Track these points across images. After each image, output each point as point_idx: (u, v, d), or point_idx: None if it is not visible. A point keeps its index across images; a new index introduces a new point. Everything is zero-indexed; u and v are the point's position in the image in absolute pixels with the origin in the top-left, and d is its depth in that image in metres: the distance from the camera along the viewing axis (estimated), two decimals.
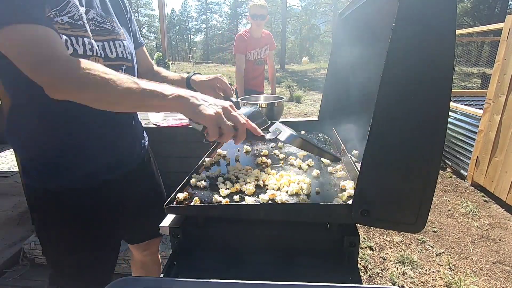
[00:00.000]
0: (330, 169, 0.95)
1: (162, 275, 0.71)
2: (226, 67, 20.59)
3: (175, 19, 49.97)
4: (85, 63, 0.69)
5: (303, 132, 1.41)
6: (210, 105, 0.70)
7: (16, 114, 0.87)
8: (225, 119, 0.69)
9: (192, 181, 0.86)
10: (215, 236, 0.78)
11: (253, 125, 0.75)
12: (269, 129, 0.81)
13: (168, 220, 0.78)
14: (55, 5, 0.76)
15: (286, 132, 0.76)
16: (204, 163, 1.01)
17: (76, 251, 0.96)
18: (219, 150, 1.11)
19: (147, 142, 1.17)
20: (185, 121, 2.21)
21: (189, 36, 51.89)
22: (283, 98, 1.79)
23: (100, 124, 0.90)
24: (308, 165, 0.96)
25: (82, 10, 0.83)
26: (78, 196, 0.92)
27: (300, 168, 0.96)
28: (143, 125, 1.20)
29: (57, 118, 0.85)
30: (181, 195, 0.77)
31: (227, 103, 0.72)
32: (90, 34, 0.84)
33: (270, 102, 1.72)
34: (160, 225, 0.77)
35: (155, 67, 1.25)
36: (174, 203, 0.75)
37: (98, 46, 0.86)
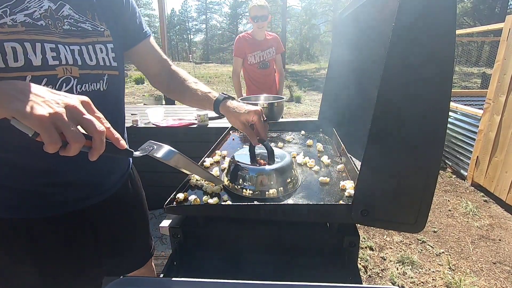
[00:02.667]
0: (328, 169, 0.95)
1: (162, 275, 0.71)
2: (226, 67, 20.58)
3: (175, 19, 49.99)
4: None
5: (303, 132, 1.41)
6: (45, 101, 0.49)
7: None
8: (68, 123, 0.49)
9: (192, 181, 0.86)
10: (215, 236, 0.78)
11: (116, 135, 0.56)
12: (140, 148, 0.66)
13: (168, 220, 0.78)
14: (3, 0, 0.61)
15: (163, 148, 0.64)
16: (204, 163, 1.01)
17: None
18: (218, 151, 1.11)
19: (131, 163, 1.02)
20: (185, 121, 2.21)
21: (189, 36, 51.90)
22: (283, 98, 1.79)
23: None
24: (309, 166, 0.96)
25: (48, 5, 0.68)
26: (41, 226, 0.76)
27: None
28: (143, 125, 1.16)
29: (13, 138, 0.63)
30: (181, 195, 0.77)
31: (78, 100, 0.53)
32: (57, 37, 0.68)
33: (270, 102, 1.72)
34: (160, 225, 0.77)
35: (174, 67, 1.05)
36: (174, 203, 0.75)
37: (71, 51, 0.70)
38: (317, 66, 22.27)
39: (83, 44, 0.73)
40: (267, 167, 0.80)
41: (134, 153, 0.61)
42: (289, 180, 0.80)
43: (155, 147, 0.64)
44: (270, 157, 0.84)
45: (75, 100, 0.53)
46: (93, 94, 0.75)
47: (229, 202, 0.75)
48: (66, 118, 0.49)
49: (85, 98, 0.54)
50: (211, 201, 0.74)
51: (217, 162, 1.03)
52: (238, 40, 3.00)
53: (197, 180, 0.86)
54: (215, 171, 0.92)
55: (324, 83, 1.42)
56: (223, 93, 0.97)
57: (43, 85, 0.62)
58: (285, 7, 27.47)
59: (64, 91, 0.62)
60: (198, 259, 0.79)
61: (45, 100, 0.50)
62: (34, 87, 0.51)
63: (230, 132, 1.41)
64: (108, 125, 0.55)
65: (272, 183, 0.77)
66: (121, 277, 0.58)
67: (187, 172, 0.73)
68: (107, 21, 0.80)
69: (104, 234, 0.90)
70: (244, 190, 0.78)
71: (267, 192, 0.77)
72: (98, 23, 0.77)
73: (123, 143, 0.56)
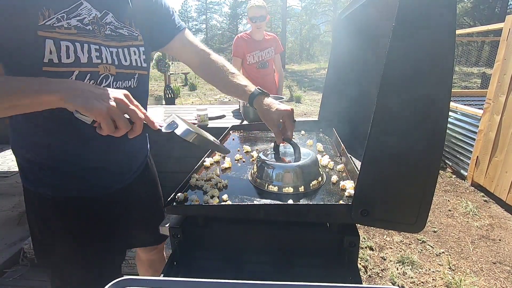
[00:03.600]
0: (328, 170, 0.95)
1: (162, 275, 0.71)
2: None
3: None
4: None
5: (303, 132, 1.41)
6: (100, 97, 0.62)
7: (21, 119, 0.83)
8: (119, 113, 0.63)
9: (192, 181, 0.86)
10: (215, 236, 0.78)
11: (151, 118, 0.70)
12: (165, 121, 0.76)
13: (168, 220, 0.78)
14: (61, 7, 0.73)
15: (182, 127, 0.73)
16: (204, 163, 1.01)
17: (72, 260, 0.93)
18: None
19: (148, 150, 1.15)
20: None
21: None
22: (283, 98, 1.79)
23: (99, 138, 0.73)
24: None
25: (95, 13, 0.80)
26: (78, 204, 0.90)
27: None
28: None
29: (60, 126, 0.81)
30: (181, 195, 0.77)
31: (122, 93, 0.66)
32: (100, 40, 0.80)
33: None
34: (160, 225, 0.77)
35: (213, 56, 1.10)
36: (174, 203, 0.75)
37: (110, 52, 0.82)
38: (317, 66, 22.26)
39: (120, 47, 0.85)
40: (293, 164, 0.83)
41: (162, 130, 0.72)
42: (314, 176, 0.83)
43: (177, 124, 0.73)
44: (296, 154, 0.86)
45: (120, 94, 0.66)
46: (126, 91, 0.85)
47: (229, 202, 0.75)
48: (118, 110, 0.63)
49: (126, 92, 0.67)
50: (211, 201, 0.75)
51: (217, 162, 1.03)
52: (236, 40, 3.00)
53: (197, 180, 0.87)
54: (216, 170, 0.92)
55: (324, 83, 1.42)
56: (259, 88, 1.03)
57: (87, 80, 0.78)
58: (285, 7, 27.47)
59: (104, 86, 0.81)
60: (198, 259, 0.79)
61: (100, 96, 0.62)
62: (89, 86, 0.65)
63: (230, 132, 1.41)
64: (144, 111, 0.69)
65: (297, 179, 0.80)
66: (122, 277, 0.58)
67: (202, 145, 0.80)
68: (141, 27, 0.92)
69: (128, 213, 1.03)
70: (270, 187, 0.81)
71: (287, 188, 0.79)
72: (134, 29, 0.90)
73: (157, 125, 0.71)
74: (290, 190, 0.79)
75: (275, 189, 0.80)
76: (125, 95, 0.66)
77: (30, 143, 0.85)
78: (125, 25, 0.87)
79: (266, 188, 0.81)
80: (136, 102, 0.68)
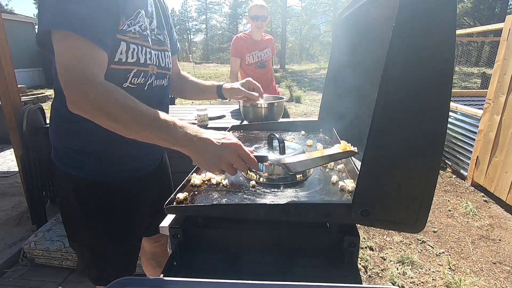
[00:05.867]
0: (328, 170, 0.95)
1: (162, 275, 0.71)
2: (226, 67, 20.58)
3: (175, 19, 49.95)
4: (113, 93, 0.70)
5: (303, 132, 1.41)
6: (219, 159, 0.71)
7: (63, 110, 0.86)
8: (230, 168, 0.73)
9: (192, 181, 0.86)
10: (215, 236, 0.78)
11: (257, 167, 0.81)
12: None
13: (168, 220, 0.78)
14: (129, 15, 0.83)
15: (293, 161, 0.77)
16: None
17: (102, 240, 1.02)
18: None
19: None
20: (185, 121, 2.21)
21: (189, 36, 51.87)
22: (283, 98, 1.78)
23: None
24: None
25: (147, 21, 0.91)
26: (110, 188, 0.98)
27: None
28: None
29: None
30: (181, 195, 0.77)
31: (235, 146, 0.73)
32: (150, 43, 0.92)
33: (270, 102, 1.71)
34: (160, 225, 0.77)
35: (182, 72, 1.31)
36: (174, 203, 0.75)
37: (155, 55, 0.94)
38: (317, 66, 22.28)
39: (159, 51, 0.98)
40: (276, 156, 0.87)
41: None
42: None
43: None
44: (281, 148, 0.91)
45: (235, 155, 0.73)
46: (160, 88, 1.01)
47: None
48: (229, 169, 0.73)
49: (236, 143, 0.74)
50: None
51: None
52: (235, 41, 2.99)
53: (197, 180, 0.87)
54: None
55: (324, 83, 1.42)
56: (222, 82, 1.31)
57: (141, 77, 0.90)
58: (285, 7, 27.47)
59: (148, 83, 0.93)
60: (198, 259, 0.79)
61: (219, 158, 0.72)
62: (212, 146, 0.72)
63: (230, 132, 1.41)
64: (252, 162, 0.75)
65: (282, 170, 0.85)
66: (121, 278, 0.59)
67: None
68: (167, 35, 1.05)
69: (148, 198, 1.12)
70: (259, 177, 0.87)
71: (275, 177, 0.86)
72: (165, 35, 1.03)
73: (256, 167, 0.83)
74: (279, 179, 0.86)
75: (264, 180, 0.86)
76: (236, 148, 0.73)
77: (74, 129, 0.91)
78: (162, 32, 1.00)
79: (256, 179, 0.87)
80: (246, 152, 0.74)
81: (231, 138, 0.74)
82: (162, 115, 0.72)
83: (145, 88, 0.93)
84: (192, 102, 9.14)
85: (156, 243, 1.34)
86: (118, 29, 0.80)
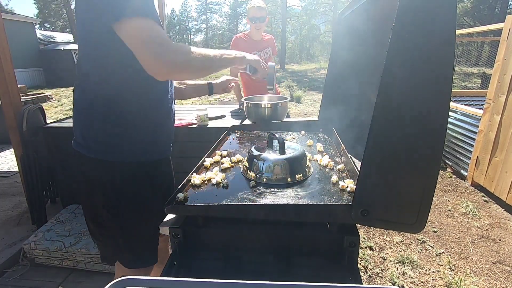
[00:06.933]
0: (327, 170, 0.95)
1: (162, 275, 0.71)
2: None
3: (175, 19, 49.93)
4: (187, 49, 0.88)
5: (303, 132, 1.41)
6: (252, 57, 1.15)
7: (99, 95, 0.95)
8: (260, 64, 1.18)
9: (192, 181, 0.86)
10: (215, 236, 0.78)
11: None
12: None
13: (168, 220, 0.78)
14: None
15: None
16: (204, 163, 1.01)
17: (141, 221, 1.05)
18: (218, 151, 1.11)
19: None
20: (185, 121, 2.21)
21: (189, 36, 51.84)
22: (287, 99, 1.78)
23: (168, 111, 1.06)
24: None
25: None
26: (143, 168, 1.03)
27: None
28: None
29: (133, 102, 0.96)
30: (181, 195, 0.77)
31: (254, 57, 1.16)
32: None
33: (275, 102, 1.71)
34: (160, 225, 0.77)
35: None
36: (174, 203, 0.75)
37: None
38: (317, 66, 22.26)
39: None
40: (276, 156, 0.88)
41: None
42: (298, 169, 0.88)
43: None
44: (281, 148, 0.92)
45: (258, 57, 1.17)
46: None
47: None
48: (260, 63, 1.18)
49: (255, 57, 1.17)
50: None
51: (217, 162, 1.03)
52: (235, 41, 2.99)
53: (197, 179, 0.87)
54: (215, 171, 0.92)
55: (324, 83, 1.42)
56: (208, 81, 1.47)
57: None
58: (285, 7, 27.46)
59: None
60: (198, 259, 0.79)
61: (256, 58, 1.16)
62: (247, 54, 1.14)
63: (230, 132, 1.41)
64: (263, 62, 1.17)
65: (282, 170, 0.86)
66: (121, 278, 0.59)
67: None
68: None
69: (169, 180, 1.21)
70: (259, 177, 0.87)
71: (275, 179, 0.86)
72: None
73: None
74: (279, 179, 0.86)
75: (264, 180, 0.86)
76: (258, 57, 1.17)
77: (104, 114, 0.95)
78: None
79: (255, 179, 0.87)
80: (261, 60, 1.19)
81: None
82: (219, 52, 1.00)
83: None
84: (192, 102, 9.14)
85: (162, 237, 1.33)
86: None
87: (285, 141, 0.93)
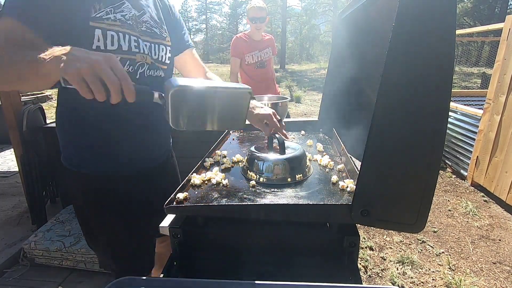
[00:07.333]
0: (327, 170, 0.95)
1: (162, 275, 0.71)
2: (226, 67, 20.57)
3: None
4: None
5: (303, 132, 1.41)
6: (79, 59, 0.60)
7: (65, 106, 0.96)
8: (92, 77, 0.60)
9: (192, 181, 0.86)
10: (215, 236, 0.78)
11: (131, 87, 0.63)
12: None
13: (168, 220, 0.78)
14: (109, 3, 0.86)
15: (167, 92, 0.66)
16: (204, 163, 1.01)
17: (118, 234, 1.03)
18: (218, 151, 1.11)
19: (171, 144, 1.25)
20: None
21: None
22: (287, 99, 1.78)
23: (134, 121, 0.98)
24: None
25: (134, 12, 0.93)
26: (116, 182, 1.00)
27: None
28: None
29: (97, 113, 0.92)
30: (181, 195, 0.77)
31: (102, 57, 0.62)
32: (138, 33, 0.93)
33: (274, 102, 1.71)
34: (160, 225, 0.77)
35: (209, 74, 1.27)
36: (174, 203, 0.75)
37: (145, 45, 0.95)
38: (317, 66, 22.27)
39: (153, 43, 0.99)
40: (276, 156, 0.88)
41: (154, 96, 0.70)
42: (298, 169, 0.87)
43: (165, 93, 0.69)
44: (281, 148, 0.92)
45: (100, 57, 0.62)
46: (156, 79, 1.01)
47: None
48: (90, 73, 0.59)
49: (111, 55, 0.63)
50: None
51: (217, 162, 1.03)
52: (235, 41, 2.99)
53: (197, 179, 0.87)
54: (215, 171, 0.92)
55: (324, 83, 1.42)
56: None
57: (127, 65, 0.90)
58: (285, 7, 27.45)
59: (140, 72, 0.94)
60: (198, 259, 0.79)
61: (79, 59, 0.60)
62: (79, 50, 0.63)
63: (230, 132, 1.41)
64: (124, 78, 0.63)
65: (282, 170, 0.85)
66: (121, 278, 0.59)
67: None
68: (169, 30, 1.08)
69: (154, 192, 1.10)
70: (259, 177, 0.86)
71: (275, 178, 0.85)
72: (164, 30, 1.04)
73: (132, 97, 0.65)
74: (279, 179, 0.85)
75: (264, 180, 0.85)
76: (106, 59, 0.62)
77: (77, 124, 0.95)
78: (157, 26, 1.01)
79: (255, 179, 0.86)
80: (120, 67, 0.63)
81: (111, 55, 0.65)
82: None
83: (137, 77, 0.94)
84: None
85: (163, 242, 1.35)
86: (91, 17, 0.82)
87: (285, 141, 0.93)
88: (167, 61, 1.05)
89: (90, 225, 1.05)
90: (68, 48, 0.64)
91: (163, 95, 0.69)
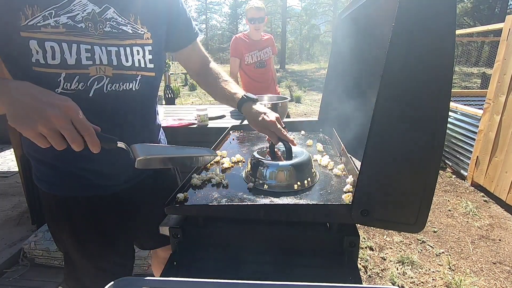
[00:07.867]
0: (328, 170, 0.95)
1: (161, 275, 0.71)
2: (227, 67, 20.54)
3: None
4: None
5: (303, 132, 1.40)
6: (34, 113, 0.54)
7: None
8: (51, 134, 0.55)
9: (192, 181, 0.86)
10: (215, 236, 0.78)
11: (94, 139, 0.59)
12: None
13: (168, 220, 0.78)
14: (50, 3, 0.68)
15: (138, 153, 0.65)
16: None
17: (86, 255, 0.97)
18: (218, 151, 1.11)
19: None
20: (185, 121, 2.21)
21: None
22: (287, 99, 1.78)
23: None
24: None
25: (93, 8, 0.74)
26: (88, 203, 0.91)
27: None
28: None
29: None
30: (181, 195, 0.77)
31: (59, 111, 0.55)
32: (95, 39, 0.74)
33: (274, 102, 1.71)
34: (160, 225, 0.77)
35: (211, 64, 1.14)
36: (174, 203, 0.75)
37: (107, 52, 0.76)
38: (317, 66, 22.27)
39: (122, 46, 0.79)
40: (283, 162, 0.85)
41: (118, 145, 0.65)
42: (306, 175, 0.83)
43: (138, 151, 0.66)
44: (288, 154, 0.88)
45: (57, 111, 0.55)
46: (124, 93, 0.82)
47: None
48: (48, 132, 0.55)
49: (70, 105, 0.57)
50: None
51: (217, 162, 1.03)
52: (234, 41, 3.00)
53: (197, 180, 0.87)
54: (215, 171, 0.92)
55: (324, 83, 1.42)
56: (245, 96, 1.03)
57: (75, 82, 0.73)
58: (285, 7, 27.45)
59: (95, 88, 0.76)
60: (198, 259, 0.79)
61: (35, 112, 0.54)
62: (30, 98, 0.55)
63: (230, 132, 1.41)
64: (86, 130, 0.58)
65: (289, 177, 0.81)
66: (120, 278, 0.59)
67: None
68: (150, 25, 0.85)
69: (130, 215, 1.01)
70: (264, 185, 0.82)
71: (283, 185, 0.81)
72: (139, 26, 0.82)
73: (96, 149, 0.60)
74: (283, 187, 0.81)
75: (267, 187, 0.81)
76: (65, 110, 0.56)
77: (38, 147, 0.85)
78: (129, 21, 0.80)
79: (259, 186, 0.83)
80: (81, 119, 0.57)
81: (68, 101, 0.57)
82: None
83: (90, 95, 0.76)
84: (192, 102, 9.14)
85: (170, 249, 1.29)
86: (21, 26, 0.66)
87: (292, 147, 0.90)
88: (149, 65, 0.85)
89: (55, 238, 1.00)
90: (14, 88, 0.55)
91: (128, 146, 0.67)
